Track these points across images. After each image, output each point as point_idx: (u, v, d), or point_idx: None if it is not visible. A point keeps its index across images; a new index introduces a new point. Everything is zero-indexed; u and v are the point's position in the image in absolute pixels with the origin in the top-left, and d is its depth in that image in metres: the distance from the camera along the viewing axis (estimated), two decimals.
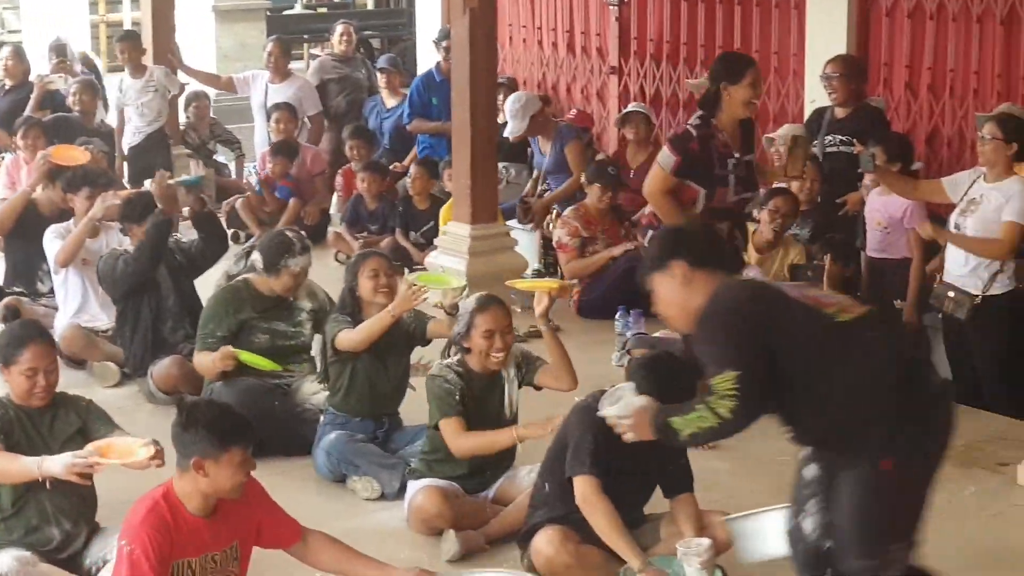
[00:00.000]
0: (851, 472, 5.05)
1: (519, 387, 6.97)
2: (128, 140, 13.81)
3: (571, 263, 10.59)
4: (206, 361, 8.03)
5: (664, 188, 7.89)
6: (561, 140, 11.94)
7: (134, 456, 5.92)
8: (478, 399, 6.84)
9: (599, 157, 12.06)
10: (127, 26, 20.25)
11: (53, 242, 9.57)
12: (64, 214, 9.90)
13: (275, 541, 5.70)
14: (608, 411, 5.36)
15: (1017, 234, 8.26)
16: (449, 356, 6.98)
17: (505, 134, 11.73)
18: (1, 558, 5.95)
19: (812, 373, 4.99)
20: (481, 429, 6.79)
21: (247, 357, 7.92)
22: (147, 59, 13.91)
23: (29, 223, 10.09)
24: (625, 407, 5.30)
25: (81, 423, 6.30)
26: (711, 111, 7.90)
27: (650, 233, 7.73)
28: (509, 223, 11.23)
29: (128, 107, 13.82)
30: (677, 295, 5.19)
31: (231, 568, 5.44)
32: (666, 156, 7.90)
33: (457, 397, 6.75)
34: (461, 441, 6.73)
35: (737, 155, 7.95)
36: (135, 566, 5.18)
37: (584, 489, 5.97)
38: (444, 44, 11.95)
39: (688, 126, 7.99)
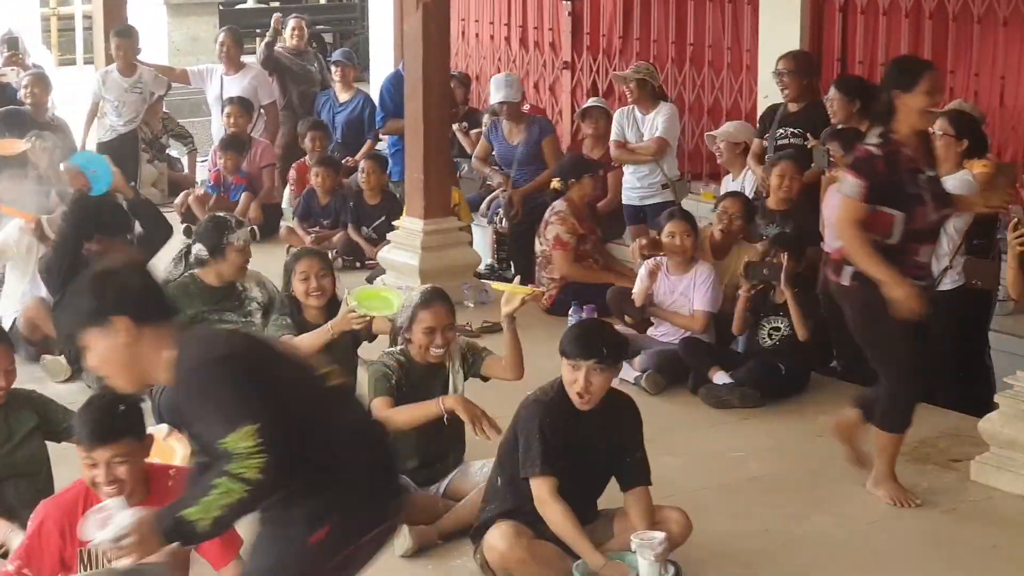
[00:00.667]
0: (280, 532, 4.42)
1: (465, 379, 6.96)
2: (100, 135, 13.64)
3: (572, 266, 10.29)
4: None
5: (856, 218, 6.95)
6: (539, 132, 11.85)
7: (175, 456, 6.05)
8: (417, 387, 6.82)
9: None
10: (78, 19, 20.12)
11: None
12: None
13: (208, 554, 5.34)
14: (99, 538, 4.34)
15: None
16: (394, 345, 7.01)
17: (498, 100, 11.60)
18: None
19: (298, 428, 4.31)
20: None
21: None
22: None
23: None
24: (117, 528, 4.29)
25: (38, 418, 6.29)
26: (887, 124, 7.03)
27: (848, 270, 7.19)
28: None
29: (107, 102, 13.64)
30: (122, 354, 4.33)
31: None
32: (852, 184, 6.96)
33: (392, 382, 6.75)
34: (391, 414, 6.66)
35: (926, 170, 7.15)
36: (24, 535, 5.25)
37: (539, 491, 5.96)
38: None
39: (868, 146, 7.06)
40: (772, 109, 10.73)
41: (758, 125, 10.91)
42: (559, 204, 10.38)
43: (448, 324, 6.83)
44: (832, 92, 9.91)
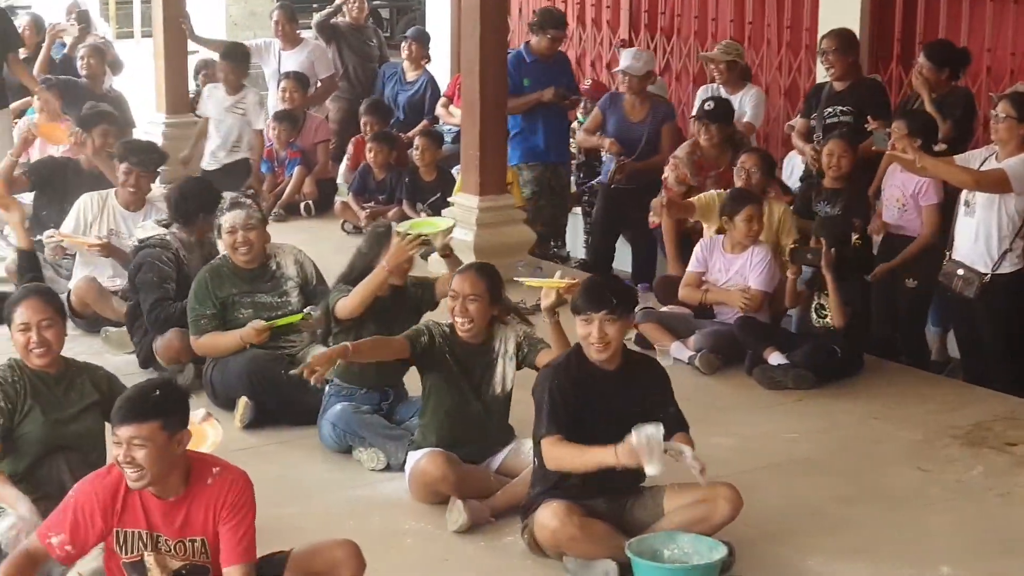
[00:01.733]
0: None
1: (518, 368, 6.94)
2: (205, 162, 13.33)
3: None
4: (219, 342, 8.00)
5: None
6: (662, 117, 11.32)
7: (206, 442, 6.04)
8: (460, 363, 6.82)
9: None
10: None
11: (71, 214, 9.66)
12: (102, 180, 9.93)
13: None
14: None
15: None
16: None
17: (619, 69, 11.36)
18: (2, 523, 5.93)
19: None
20: (463, 398, 6.80)
21: (280, 323, 7.96)
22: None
23: (69, 179, 10.07)
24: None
25: (99, 394, 6.25)
26: None
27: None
28: None
29: (211, 120, 13.42)
30: None
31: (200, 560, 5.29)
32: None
33: (423, 340, 6.76)
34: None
35: None
36: (62, 510, 5.22)
37: (546, 449, 5.97)
38: (550, 33, 11.66)
39: None
40: (818, 88, 10.64)
41: (803, 105, 10.84)
42: (683, 147, 10.41)
43: (473, 295, 6.74)
44: (921, 59, 9.78)
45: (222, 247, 8.23)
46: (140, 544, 5.21)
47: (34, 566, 5.21)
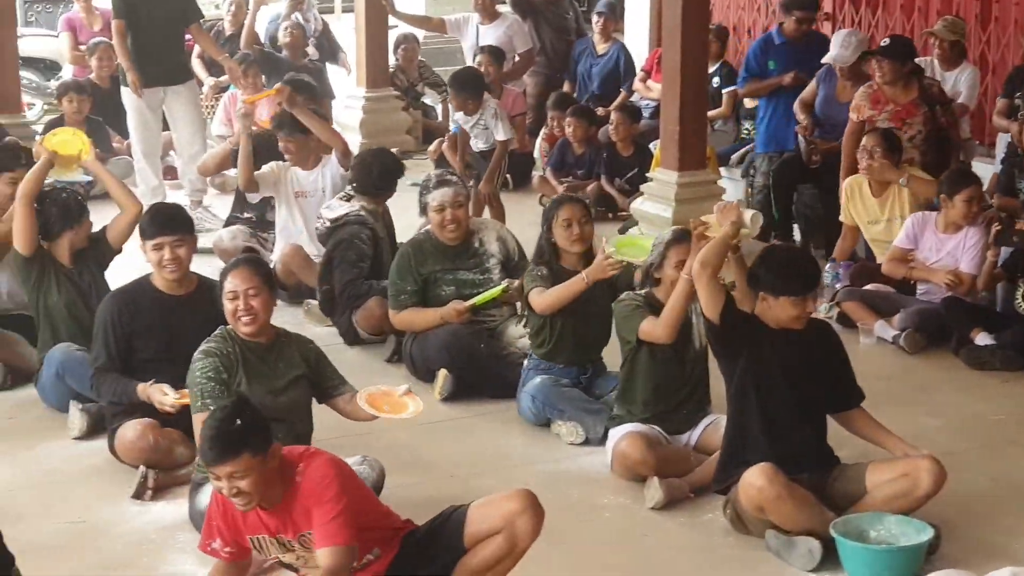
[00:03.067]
0: None
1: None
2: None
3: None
4: (418, 319, 8.05)
5: None
6: None
7: (406, 410, 6.15)
8: None
9: None
10: None
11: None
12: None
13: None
14: None
15: None
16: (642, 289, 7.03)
17: (827, 59, 11.15)
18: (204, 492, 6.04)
19: None
20: (664, 358, 6.79)
21: (480, 300, 7.98)
22: None
23: (273, 148, 10.25)
24: None
25: (307, 368, 6.37)
26: None
27: None
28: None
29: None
30: None
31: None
32: None
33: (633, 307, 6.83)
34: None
35: None
36: (206, 518, 5.38)
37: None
38: (795, 14, 11.47)
39: None
40: (1020, 69, 10.34)
41: (1005, 86, 10.60)
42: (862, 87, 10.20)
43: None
44: None
45: (426, 225, 8.28)
46: (272, 548, 5.30)
47: (231, 569, 5.39)
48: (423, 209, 8.21)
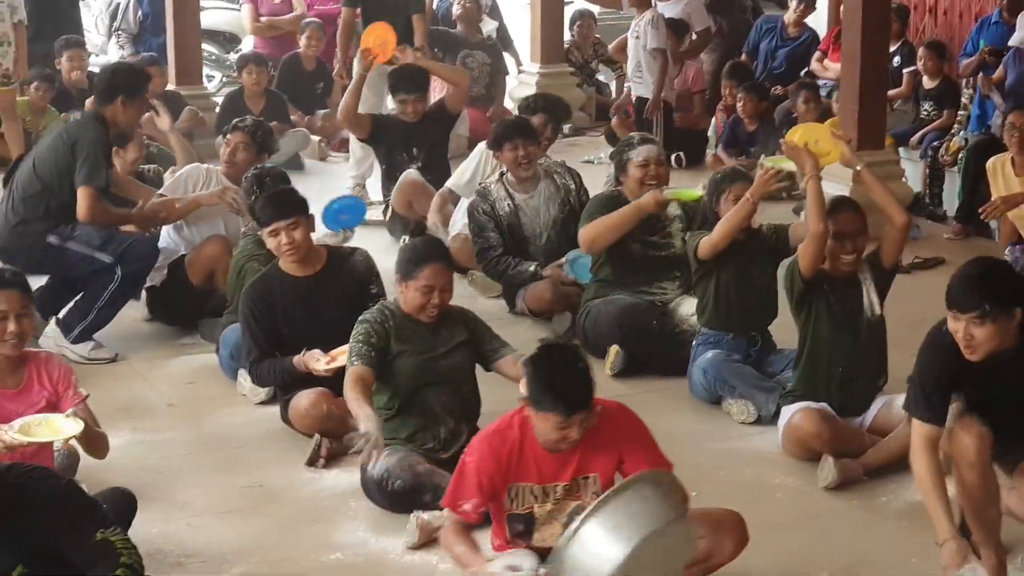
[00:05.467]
0: None
1: (876, 289, 6.82)
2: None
3: None
4: (608, 220, 7.95)
5: None
6: None
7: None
8: (840, 300, 6.76)
9: None
10: None
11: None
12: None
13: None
14: None
15: None
16: None
17: (1015, 42, 10.84)
18: (380, 463, 6.09)
19: None
20: (840, 332, 6.72)
21: (677, 194, 7.98)
22: None
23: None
24: None
25: (467, 335, 6.43)
26: None
27: None
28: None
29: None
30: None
31: (589, 498, 5.35)
32: None
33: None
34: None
35: None
36: (464, 475, 5.31)
37: (914, 438, 5.46)
38: None
39: None
40: None
41: None
42: None
43: (855, 230, 6.74)
44: None
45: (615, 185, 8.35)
46: (531, 498, 5.32)
47: (468, 531, 5.34)
48: (622, 167, 8.18)
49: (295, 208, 7.06)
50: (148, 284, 8.48)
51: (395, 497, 6.16)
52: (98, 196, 8.08)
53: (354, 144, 11.17)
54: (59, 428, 5.48)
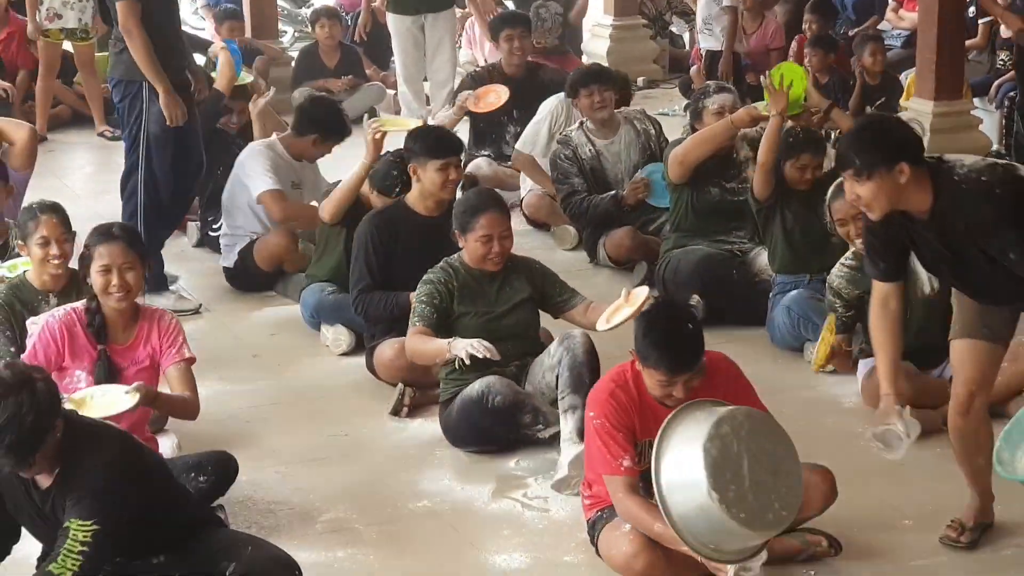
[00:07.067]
0: None
1: None
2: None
3: None
4: (704, 135, 8.02)
5: None
6: None
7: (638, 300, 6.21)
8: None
9: None
10: None
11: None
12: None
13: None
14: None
15: None
16: None
17: None
18: (480, 381, 6.24)
19: None
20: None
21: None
22: None
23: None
24: None
25: (531, 290, 6.52)
26: None
27: None
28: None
29: None
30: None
31: None
32: None
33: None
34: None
35: None
36: (602, 436, 5.25)
37: (872, 297, 5.53)
38: None
39: None
40: None
41: None
42: None
43: None
44: None
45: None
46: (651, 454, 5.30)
47: (635, 489, 5.25)
48: (697, 115, 8.24)
49: (461, 147, 7.32)
50: (223, 264, 8.59)
51: (495, 414, 6.22)
52: None
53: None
54: (109, 404, 5.51)
